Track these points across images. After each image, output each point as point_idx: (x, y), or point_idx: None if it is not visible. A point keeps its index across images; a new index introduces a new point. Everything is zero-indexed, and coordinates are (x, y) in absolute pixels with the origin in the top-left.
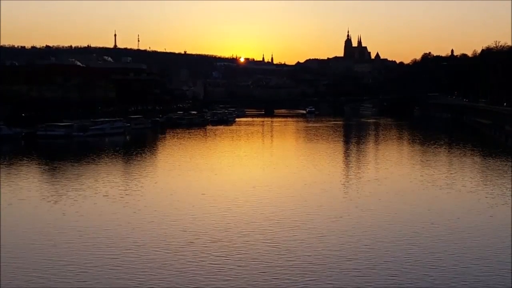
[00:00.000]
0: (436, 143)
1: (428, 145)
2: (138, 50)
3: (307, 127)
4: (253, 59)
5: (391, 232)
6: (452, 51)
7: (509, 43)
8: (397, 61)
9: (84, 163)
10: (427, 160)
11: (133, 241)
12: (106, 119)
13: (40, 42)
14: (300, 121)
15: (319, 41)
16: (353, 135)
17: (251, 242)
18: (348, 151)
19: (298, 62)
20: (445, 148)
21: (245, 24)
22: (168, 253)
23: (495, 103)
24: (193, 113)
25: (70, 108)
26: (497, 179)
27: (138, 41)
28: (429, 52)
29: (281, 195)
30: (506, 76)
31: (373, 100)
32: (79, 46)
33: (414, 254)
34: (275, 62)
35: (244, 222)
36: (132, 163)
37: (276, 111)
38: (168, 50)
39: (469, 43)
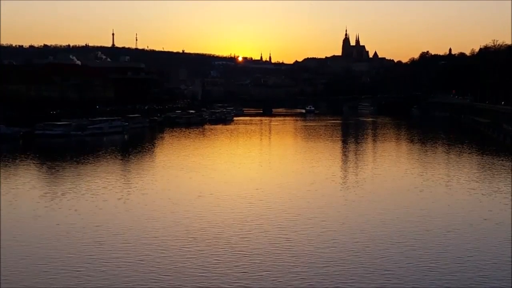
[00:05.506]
0: (434, 142)
1: (426, 144)
2: (136, 49)
3: (305, 126)
4: (251, 58)
5: (390, 232)
6: (450, 50)
7: (507, 42)
8: (395, 60)
9: (82, 162)
10: (425, 159)
11: (132, 240)
12: (104, 118)
13: (38, 41)
14: (299, 120)
15: (317, 40)
16: (352, 134)
17: (249, 241)
18: (347, 150)
19: (296, 61)
20: (443, 147)
21: (243, 23)
22: (168, 252)
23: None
24: (191, 112)
25: (68, 107)
26: (496, 178)
27: (136, 40)
28: (427, 51)
29: (280, 194)
30: (504, 75)
31: (372, 99)
32: (77, 45)
33: (413, 253)
34: (273, 61)
35: (243, 221)
36: (130, 162)
37: (274, 110)
38: (166, 49)
39: (467, 42)
